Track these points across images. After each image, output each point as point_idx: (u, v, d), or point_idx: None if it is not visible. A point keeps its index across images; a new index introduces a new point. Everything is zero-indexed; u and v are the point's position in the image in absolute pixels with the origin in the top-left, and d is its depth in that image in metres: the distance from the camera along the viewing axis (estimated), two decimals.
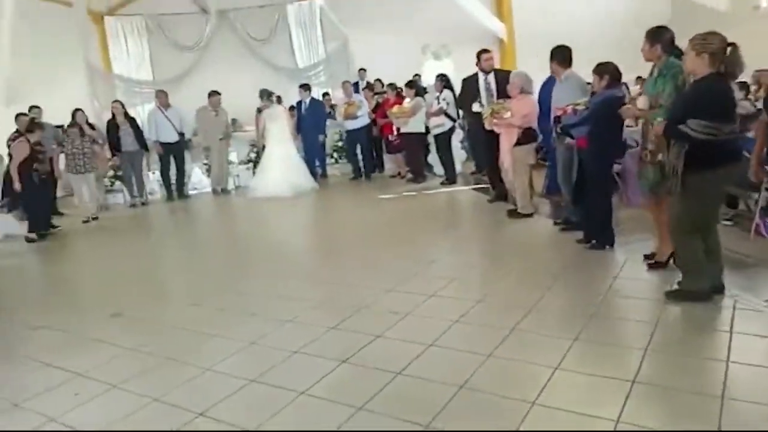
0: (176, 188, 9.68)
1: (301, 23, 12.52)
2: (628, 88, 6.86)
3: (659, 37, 3.87)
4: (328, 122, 10.19)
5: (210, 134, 9.68)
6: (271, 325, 3.68)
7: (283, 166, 8.98)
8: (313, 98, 10.17)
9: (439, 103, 8.30)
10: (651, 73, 3.95)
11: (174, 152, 9.47)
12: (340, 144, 10.18)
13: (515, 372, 2.80)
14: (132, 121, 9.31)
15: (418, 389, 2.71)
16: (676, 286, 3.49)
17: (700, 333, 3.10)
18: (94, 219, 8.19)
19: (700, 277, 3.37)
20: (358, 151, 9.90)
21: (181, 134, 9.51)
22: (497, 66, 7.53)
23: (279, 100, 9.66)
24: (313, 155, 9.83)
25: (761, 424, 2.26)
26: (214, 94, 9.72)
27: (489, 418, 2.42)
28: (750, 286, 3.58)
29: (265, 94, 9.35)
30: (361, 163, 9.90)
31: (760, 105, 5.33)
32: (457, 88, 8.81)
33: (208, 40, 12.23)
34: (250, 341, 3.42)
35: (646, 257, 4.18)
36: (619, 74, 4.61)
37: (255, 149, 9.98)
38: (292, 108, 9.99)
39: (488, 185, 7.16)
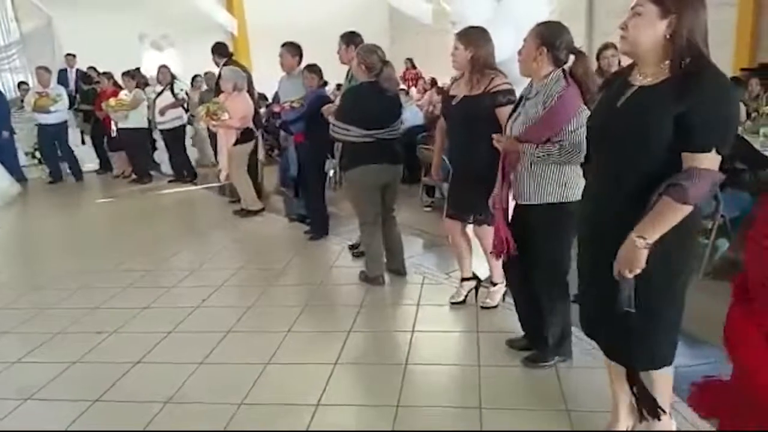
0: None
1: None
2: None
3: (353, 40, 4.24)
4: (26, 115, 8.71)
5: None
6: None
7: None
8: None
9: (175, 94, 7.77)
10: (347, 75, 4.31)
11: None
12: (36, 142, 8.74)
13: (227, 376, 2.77)
14: None
15: (118, 414, 2.49)
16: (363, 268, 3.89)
17: (395, 309, 3.51)
18: None
19: (374, 264, 3.80)
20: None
21: None
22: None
23: None
24: None
25: (430, 380, 2.65)
26: None
27: (192, 429, 2.35)
28: (438, 263, 4.18)
29: None
30: (67, 164, 8.67)
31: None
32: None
33: None
34: None
35: (351, 247, 4.56)
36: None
37: None
38: None
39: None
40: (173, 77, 7.91)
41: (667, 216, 1.60)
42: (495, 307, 3.29)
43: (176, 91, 7.78)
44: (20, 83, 9.74)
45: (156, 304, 3.69)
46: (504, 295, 3.31)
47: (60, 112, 8.31)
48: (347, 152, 3.70)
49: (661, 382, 1.87)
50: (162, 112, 7.72)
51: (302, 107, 4.86)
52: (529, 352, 2.65)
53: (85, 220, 6.58)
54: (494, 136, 2.58)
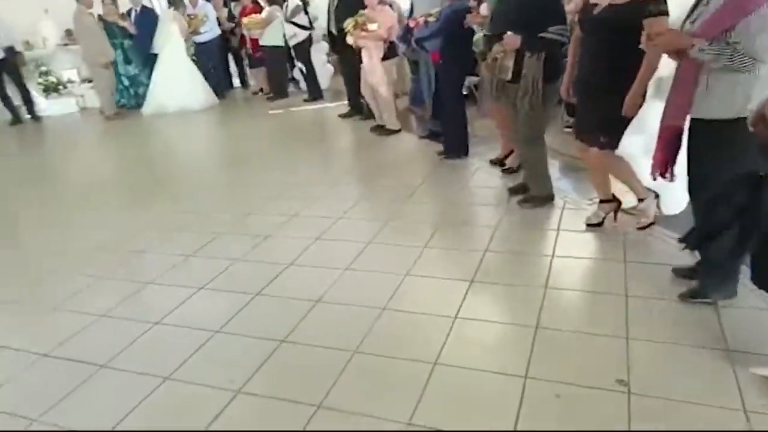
0: (27, 110, 8.58)
1: None
2: None
3: None
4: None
5: (97, 49, 8.06)
6: (122, 257, 3.51)
7: (187, 74, 8.31)
8: (144, 6, 9.00)
9: (287, 12, 7.89)
10: None
11: (5, 70, 8.19)
12: (194, 59, 9.38)
13: (368, 282, 2.94)
14: None
15: (275, 308, 2.77)
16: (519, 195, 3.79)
17: (533, 232, 3.42)
18: None
19: (547, 183, 3.71)
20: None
21: (10, 48, 8.21)
22: None
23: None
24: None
25: (572, 305, 2.62)
26: None
27: (341, 327, 2.54)
28: (579, 187, 3.98)
29: None
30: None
31: None
32: None
33: None
34: (98, 276, 3.25)
35: (492, 162, 4.49)
36: None
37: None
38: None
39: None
40: None
41: None
42: (653, 224, 3.11)
43: (285, 8, 7.84)
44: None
45: (303, 213, 3.95)
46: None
47: (211, 31, 8.79)
48: (555, 60, 3.37)
49: None
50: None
51: (437, 22, 4.68)
52: (687, 288, 2.50)
53: (228, 135, 7.08)
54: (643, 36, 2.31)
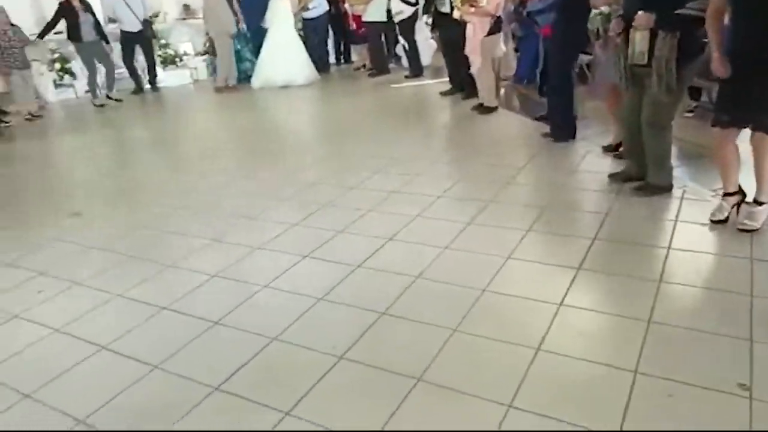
0: (149, 81, 9.22)
1: None
2: None
3: None
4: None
5: (224, 21, 8.51)
6: (233, 222, 3.70)
7: (295, 50, 8.61)
8: None
9: None
10: None
11: (139, 42, 8.81)
12: (301, 34, 9.63)
13: (469, 262, 2.91)
14: (88, 6, 8.27)
15: (376, 280, 2.82)
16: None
17: (648, 222, 3.22)
18: (36, 117, 7.82)
19: (670, 171, 3.47)
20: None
21: (146, 21, 8.81)
22: None
23: None
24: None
25: (689, 302, 2.45)
26: None
27: (440, 304, 2.54)
28: (701, 177, 3.70)
29: None
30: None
31: None
32: None
33: None
34: (212, 239, 3.46)
35: (605, 148, 4.26)
36: None
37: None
38: None
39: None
40: None
41: None
42: (756, 230, 2.85)
43: None
44: None
45: (403, 189, 3.97)
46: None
47: (318, 7, 8.97)
48: (692, 39, 3.09)
49: None
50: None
51: None
52: None
53: (335, 108, 7.23)
54: None
